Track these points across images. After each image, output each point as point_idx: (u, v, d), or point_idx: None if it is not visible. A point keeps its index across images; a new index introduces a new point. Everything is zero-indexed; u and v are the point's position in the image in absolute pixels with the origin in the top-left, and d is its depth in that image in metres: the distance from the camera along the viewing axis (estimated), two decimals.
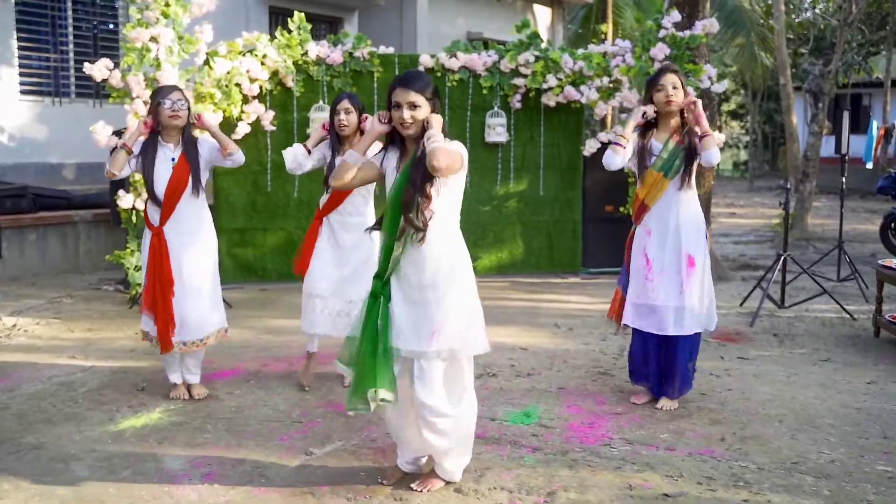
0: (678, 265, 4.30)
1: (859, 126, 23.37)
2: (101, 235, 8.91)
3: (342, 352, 3.32)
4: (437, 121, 3.10)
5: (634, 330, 4.48)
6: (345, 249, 4.69)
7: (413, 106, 3.09)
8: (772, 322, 6.59)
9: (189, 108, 4.40)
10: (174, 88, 4.44)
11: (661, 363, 4.43)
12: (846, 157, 8.27)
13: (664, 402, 4.40)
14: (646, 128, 4.39)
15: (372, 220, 4.42)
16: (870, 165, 14.62)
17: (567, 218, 8.85)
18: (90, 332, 6.21)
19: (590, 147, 8.51)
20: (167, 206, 4.40)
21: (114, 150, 4.46)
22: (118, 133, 7.19)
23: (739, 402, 4.54)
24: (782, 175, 23.73)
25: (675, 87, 4.23)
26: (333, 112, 4.60)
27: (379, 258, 3.27)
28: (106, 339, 6.00)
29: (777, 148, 31.37)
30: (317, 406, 4.48)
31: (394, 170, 3.22)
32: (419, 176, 3.06)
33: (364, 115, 4.62)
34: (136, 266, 7.10)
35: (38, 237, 8.48)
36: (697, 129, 4.27)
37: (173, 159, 4.40)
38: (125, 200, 6.98)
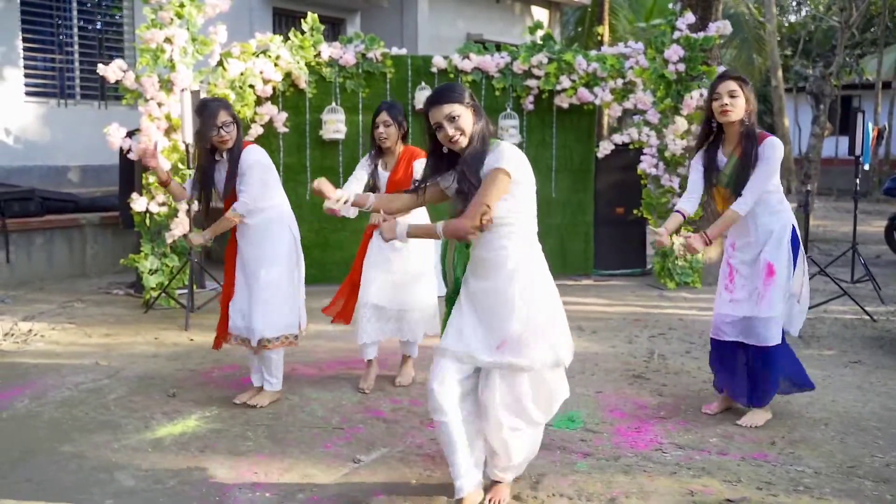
0: (756, 274, 4.13)
1: (848, 128, 23.57)
2: (109, 239, 8.80)
3: None
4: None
5: (719, 341, 4.31)
6: (395, 254, 4.63)
7: (452, 118, 2.93)
8: None
9: (237, 122, 4.33)
10: (219, 109, 4.28)
11: (749, 373, 4.28)
12: (858, 160, 8.26)
13: (746, 419, 4.23)
14: (711, 141, 4.20)
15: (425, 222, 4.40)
16: (867, 167, 14.74)
17: (579, 220, 8.82)
18: (108, 336, 6.11)
19: (604, 149, 8.49)
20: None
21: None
22: (130, 134, 7.11)
23: (780, 405, 4.50)
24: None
25: (732, 96, 3.99)
26: (374, 125, 4.58)
27: (447, 267, 3.25)
28: (125, 343, 5.91)
29: None
30: (355, 412, 4.42)
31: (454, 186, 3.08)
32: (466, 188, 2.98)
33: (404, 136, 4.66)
34: (150, 270, 7.01)
35: (46, 241, 8.36)
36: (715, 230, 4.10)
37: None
38: (139, 203, 6.90)
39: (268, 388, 4.55)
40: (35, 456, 3.79)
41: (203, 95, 6.88)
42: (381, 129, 4.55)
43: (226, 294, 4.56)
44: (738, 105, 4.02)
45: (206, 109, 4.28)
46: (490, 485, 3.30)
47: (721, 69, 8.01)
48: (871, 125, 14.79)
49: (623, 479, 3.52)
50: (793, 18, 29.77)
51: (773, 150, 4.00)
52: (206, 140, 4.30)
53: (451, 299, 3.21)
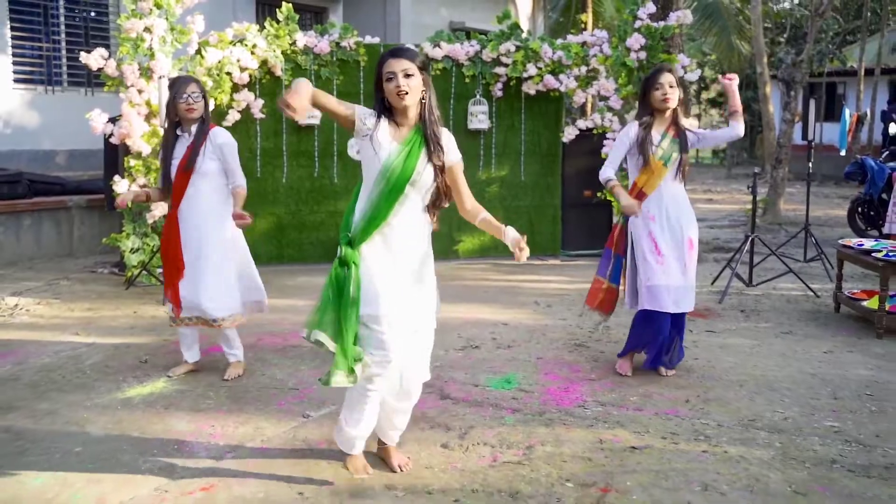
0: (682, 247, 4.58)
1: (833, 114, 23.91)
2: (95, 220, 9.16)
3: (314, 318, 3.20)
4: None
5: (652, 311, 4.62)
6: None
7: (407, 74, 3.05)
8: (740, 300, 6.95)
9: (205, 99, 4.61)
10: (189, 81, 4.57)
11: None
12: (813, 144, 8.62)
13: (668, 371, 4.77)
14: (645, 122, 4.63)
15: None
16: (843, 152, 15.09)
17: (547, 203, 9.18)
18: (90, 311, 6.48)
19: (568, 134, 8.84)
20: (176, 188, 4.58)
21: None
22: (113, 120, 7.46)
23: (705, 369, 4.89)
24: (759, 162, 24.17)
25: (671, 87, 4.50)
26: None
27: (354, 222, 3.18)
28: (106, 317, 6.28)
29: (755, 136, 31.83)
30: (311, 375, 4.79)
31: (386, 137, 3.13)
32: (439, 167, 3.17)
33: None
34: (131, 248, 7.37)
35: (34, 222, 8.72)
36: (731, 104, 4.69)
37: (187, 146, 4.58)
38: (121, 186, 7.24)
39: (233, 359, 4.88)
40: (14, 412, 4.16)
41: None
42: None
43: (175, 272, 4.64)
44: (675, 94, 4.54)
45: (176, 81, 4.60)
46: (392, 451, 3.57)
47: (681, 57, 8.38)
48: (848, 112, 15.18)
49: (543, 430, 3.90)
50: (782, 5, 30.05)
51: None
52: (174, 110, 4.56)
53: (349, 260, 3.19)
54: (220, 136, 4.64)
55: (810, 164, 8.91)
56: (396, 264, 3.17)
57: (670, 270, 4.57)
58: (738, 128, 4.70)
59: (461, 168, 3.29)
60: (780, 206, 13.25)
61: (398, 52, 3.11)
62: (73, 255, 9.00)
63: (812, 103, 8.57)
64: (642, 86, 4.69)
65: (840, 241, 6.52)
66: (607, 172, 4.61)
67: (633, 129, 4.65)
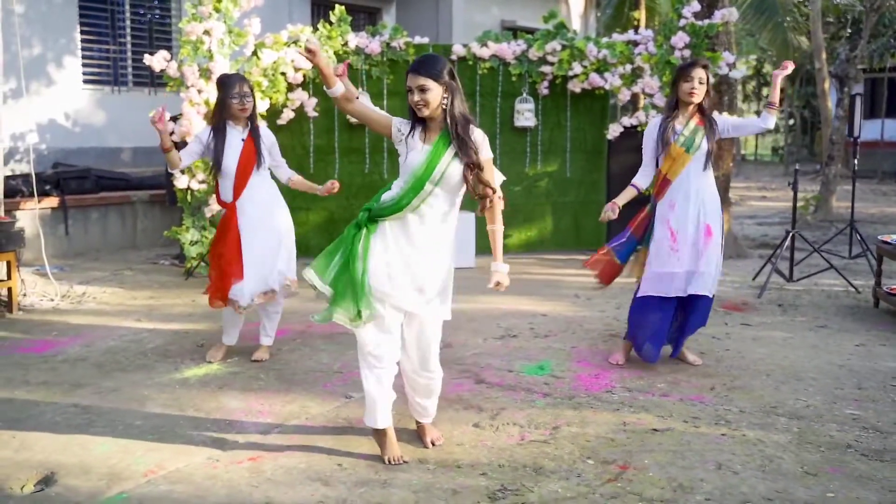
0: (697, 234, 4.71)
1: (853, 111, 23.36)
2: (157, 214, 9.60)
3: (319, 262, 3.49)
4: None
5: (650, 298, 4.80)
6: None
7: (422, 89, 3.32)
8: (779, 294, 7.04)
9: (254, 98, 4.93)
10: (239, 80, 4.88)
11: (680, 323, 4.89)
12: (858, 141, 8.63)
13: (697, 360, 4.94)
14: (670, 112, 4.78)
15: None
16: None
17: (592, 199, 9.34)
18: (152, 299, 6.87)
19: (613, 131, 8.98)
20: (239, 181, 4.89)
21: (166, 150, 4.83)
22: (174, 119, 7.84)
23: (735, 359, 5.04)
24: (818, 160, 23.82)
25: (700, 82, 4.63)
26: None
27: (381, 201, 3.50)
28: (166, 305, 6.65)
29: (815, 132, 31.33)
30: (355, 359, 5.03)
31: (418, 141, 3.44)
32: (470, 165, 3.41)
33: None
34: (191, 241, 7.76)
35: (100, 216, 9.19)
36: (771, 94, 4.86)
37: (243, 139, 4.91)
38: (181, 181, 7.63)
39: (267, 342, 5.18)
40: (82, 388, 4.52)
41: None
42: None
43: (227, 270, 4.91)
44: (702, 91, 4.68)
45: (227, 79, 4.89)
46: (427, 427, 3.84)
47: (726, 55, 8.46)
48: None
49: (570, 413, 4.11)
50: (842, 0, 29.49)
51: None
52: (226, 108, 4.85)
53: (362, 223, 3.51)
54: (269, 133, 5.06)
55: (855, 161, 8.90)
56: (412, 249, 3.43)
57: (683, 258, 4.71)
58: (769, 120, 4.82)
59: (489, 164, 3.51)
60: (833, 203, 13.16)
61: (418, 67, 3.38)
62: (136, 247, 9.45)
63: (857, 100, 8.56)
64: (675, 74, 4.83)
65: (879, 237, 6.56)
66: (636, 179, 4.79)
67: (654, 123, 4.82)
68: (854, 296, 7.02)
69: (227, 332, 5.18)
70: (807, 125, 33.65)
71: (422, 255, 3.45)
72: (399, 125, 3.46)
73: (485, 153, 3.48)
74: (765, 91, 38.40)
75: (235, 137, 4.92)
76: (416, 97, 3.37)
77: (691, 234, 4.70)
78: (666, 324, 4.81)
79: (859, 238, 8.47)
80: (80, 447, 3.70)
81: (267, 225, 5.01)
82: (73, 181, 9.00)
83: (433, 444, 3.72)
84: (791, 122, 31.88)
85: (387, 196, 3.50)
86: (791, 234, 7.43)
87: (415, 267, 3.44)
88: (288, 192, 8.51)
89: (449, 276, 3.57)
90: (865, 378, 4.67)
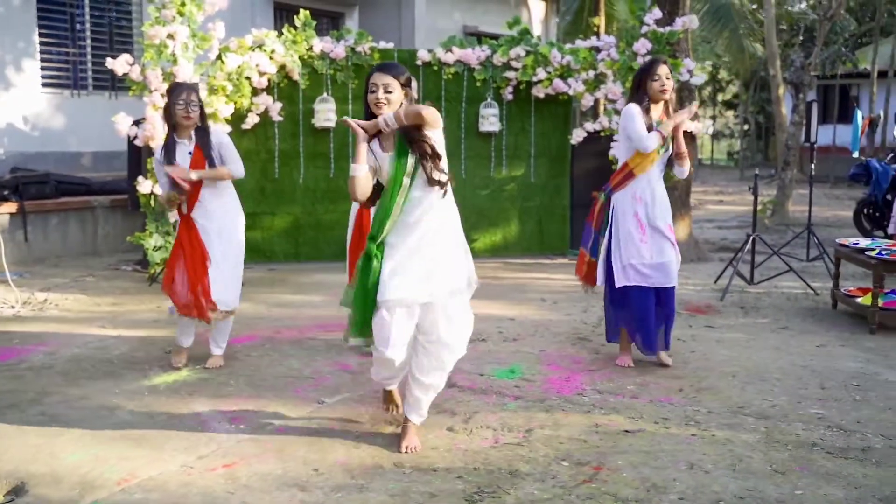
0: (663, 228, 4.84)
1: (847, 116, 23.97)
2: (119, 220, 9.48)
3: (346, 297, 3.73)
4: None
5: (631, 290, 4.85)
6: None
7: (387, 89, 3.50)
8: (741, 297, 7.18)
9: (201, 106, 4.86)
10: (186, 88, 4.84)
11: (660, 316, 4.96)
12: (815, 146, 8.83)
13: (665, 357, 5.01)
14: (646, 106, 4.84)
15: None
16: (856, 154, 15.24)
17: (556, 203, 9.43)
18: (115, 305, 6.78)
19: (577, 136, 9.07)
20: (191, 194, 4.84)
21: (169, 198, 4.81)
22: (137, 123, 7.77)
23: (700, 361, 5.13)
24: (773, 165, 24.28)
25: (668, 78, 4.76)
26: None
27: (376, 222, 3.64)
28: (130, 311, 6.58)
29: (770, 138, 31.94)
30: (326, 365, 5.06)
31: (380, 153, 3.60)
32: (420, 144, 3.51)
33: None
34: (154, 246, 7.68)
35: (60, 221, 9.05)
36: (675, 145, 4.86)
37: (190, 153, 4.85)
38: (144, 186, 7.54)
39: (217, 352, 5.12)
40: (48, 397, 4.45)
41: (203, 87, 7.55)
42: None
43: (193, 274, 4.86)
44: (671, 85, 4.81)
45: (176, 87, 4.88)
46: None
47: (687, 61, 8.60)
48: (860, 114, 15.32)
49: (543, 415, 4.15)
50: (803, 6, 30.07)
51: None
52: (172, 116, 4.80)
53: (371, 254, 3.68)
54: (221, 134, 4.99)
55: (812, 166, 9.11)
56: (415, 240, 3.59)
57: (653, 249, 4.83)
58: (682, 172, 4.96)
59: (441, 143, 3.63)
60: (789, 207, 13.43)
61: (384, 67, 3.58)
62: (97, 253, 9.32)
63: (814, 106, 8.77)
64: (637, 76, 4.89)
65: (837, 240, 6.72)
66: (650, 140, 4.72)
67: (632, 106, 4.82)
68: (813, 298, 7.18)
69: (181, 334, 5.11)
70: (761, 130, 34.30)
71: (423, 240, 3.60)
72: (371, 162, 3.60)
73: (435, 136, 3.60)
74: (719, 97, 39.10)
75: (182, 152, 4.86)
76: (381, 94, 3.52)
77: (658, 228, 4.83)
78: (650, 313, 4.88)
79: (816, 241, 8.66)
80: (51, 456, 3.65)
81: (216, 241, 4.92)
82: (33, 186, 8.86)
83: (407, 451, 3.72)
84: (746, 127, 32.45)
85: (374, 211, 3.69)
86: (752, 238, 7.58)
87: (421, 252, 3.59)
88: (254, 197, 8.53)
89: (458, 261, 3.73)
90: (827, 378, 4.78)
